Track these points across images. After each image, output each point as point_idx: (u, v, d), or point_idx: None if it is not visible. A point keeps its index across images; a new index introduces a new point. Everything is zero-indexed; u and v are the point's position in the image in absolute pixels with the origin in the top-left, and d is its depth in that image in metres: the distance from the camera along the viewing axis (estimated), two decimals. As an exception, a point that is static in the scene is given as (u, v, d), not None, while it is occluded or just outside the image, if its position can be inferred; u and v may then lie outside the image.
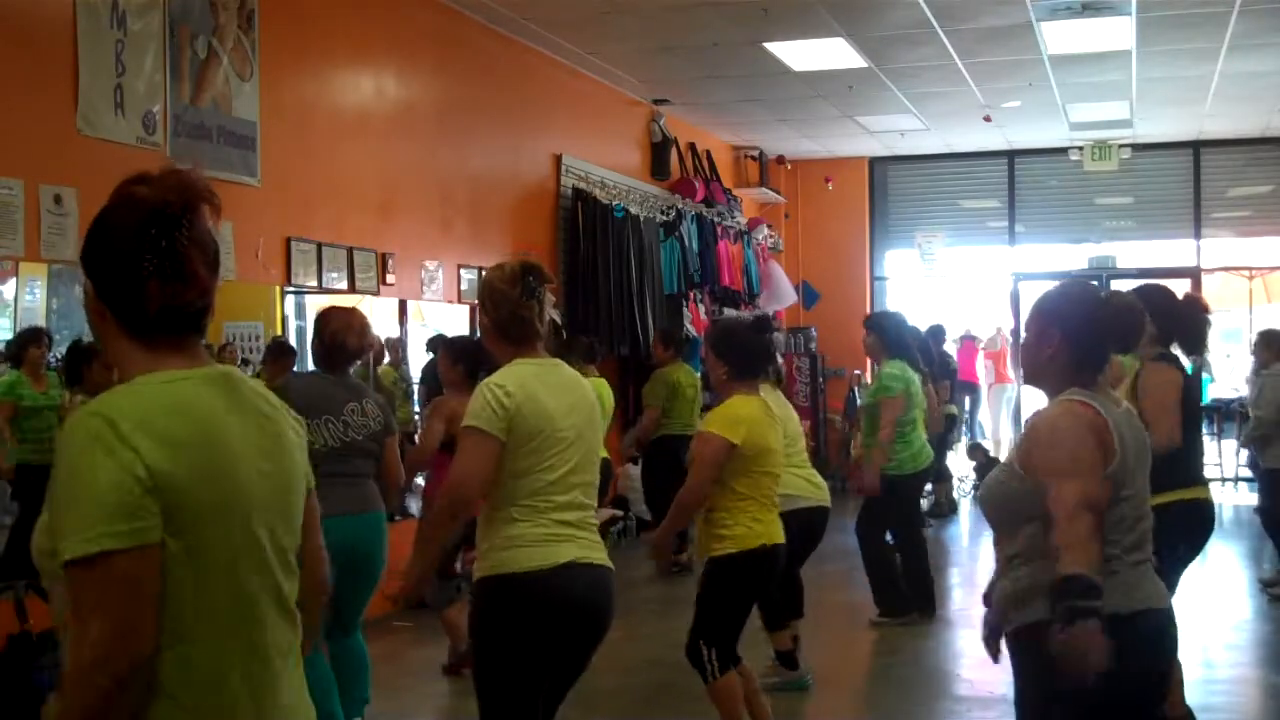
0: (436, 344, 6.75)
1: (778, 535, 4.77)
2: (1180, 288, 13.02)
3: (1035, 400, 12.80)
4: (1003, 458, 13.68)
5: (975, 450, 13.28)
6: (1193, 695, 4.91)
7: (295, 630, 2.00)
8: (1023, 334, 3.20)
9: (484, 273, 3.72)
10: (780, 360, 13.53)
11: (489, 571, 3.49)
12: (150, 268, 1.84)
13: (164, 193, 1.87)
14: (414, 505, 8.42)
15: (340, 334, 4.93)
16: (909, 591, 7.47)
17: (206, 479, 1.84)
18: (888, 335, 7.42)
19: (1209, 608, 7.80)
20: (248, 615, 1.89)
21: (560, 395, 3.55)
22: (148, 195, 1.87)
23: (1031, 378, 3.19)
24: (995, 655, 3.27)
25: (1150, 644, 3.01)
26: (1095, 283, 12.83)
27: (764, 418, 4.77)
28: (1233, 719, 5.85)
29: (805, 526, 5.95)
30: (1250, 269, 15.01)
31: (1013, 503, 3.03)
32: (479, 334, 3.70)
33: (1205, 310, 5.06)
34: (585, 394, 3.67)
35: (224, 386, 1.93)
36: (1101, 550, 2.85)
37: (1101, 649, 2.72)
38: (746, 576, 4.78)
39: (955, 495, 12.39)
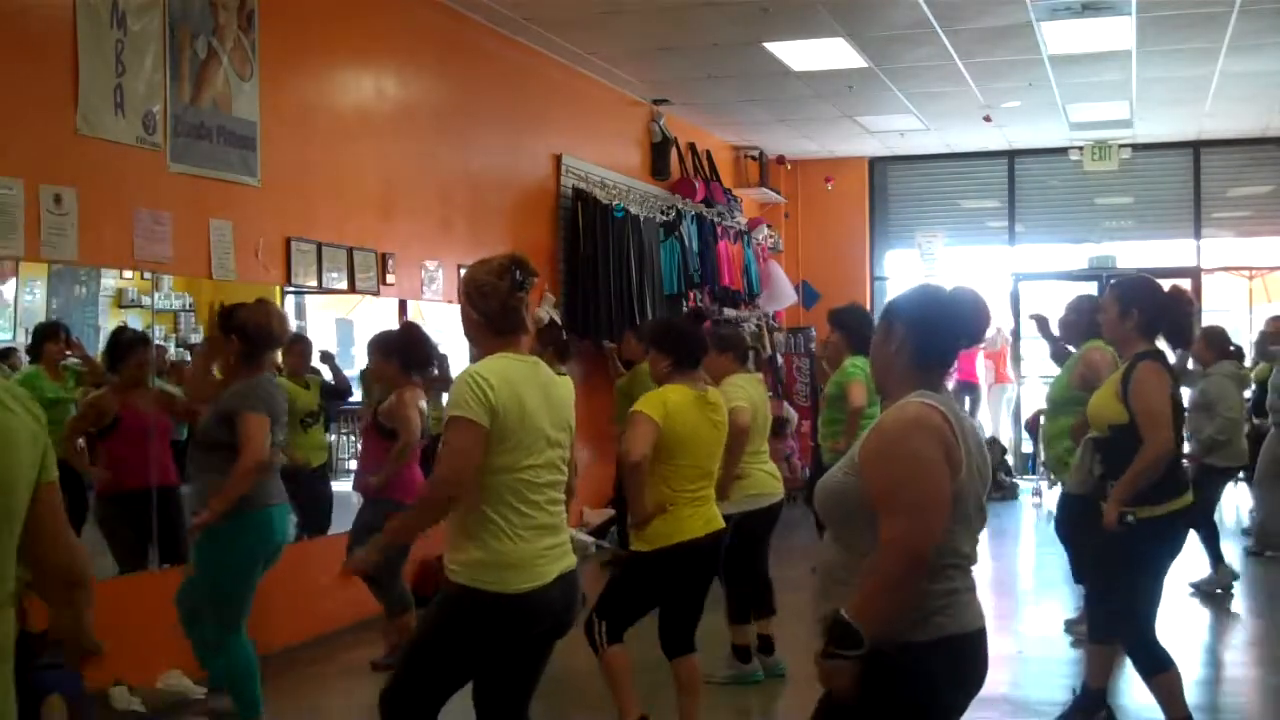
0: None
1: (694, 531, 4.83)
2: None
3: (1036, 400, 12.68)
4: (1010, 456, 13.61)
5: (991, 444, 13.44)
6: (1193, 695, 4.91)
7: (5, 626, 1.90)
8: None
9: (464, 270, 3.65)
10: (770, 350, 13.48)
11: (476, 584, 3.43)
12: None
13: None
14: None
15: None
16: None
17: None
18: (853, 333, 7.28)
19: (1208, 608, 7.80)
20: None
21: (540, 393, 3.53)
22: None
23: (879, 377, 3.03)
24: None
25: (985, 660, 3.00)
26: (1096, 283, 12.79)
27: (691, 408, 4.86)
28: (1233, 719, 5.86)
29: (767, 521, 6.05)
30: (1250, 269, 15.00)
31: (854, 502, 2.81)
32: (463, 329, 3.66)
33: (1190, 303, 5.03)
34: (563, 394, 3.66)
35: None
36: (894, 605, 2.68)
37: (855, 685, 2.67)
38: (658, 573, 4.88)
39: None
